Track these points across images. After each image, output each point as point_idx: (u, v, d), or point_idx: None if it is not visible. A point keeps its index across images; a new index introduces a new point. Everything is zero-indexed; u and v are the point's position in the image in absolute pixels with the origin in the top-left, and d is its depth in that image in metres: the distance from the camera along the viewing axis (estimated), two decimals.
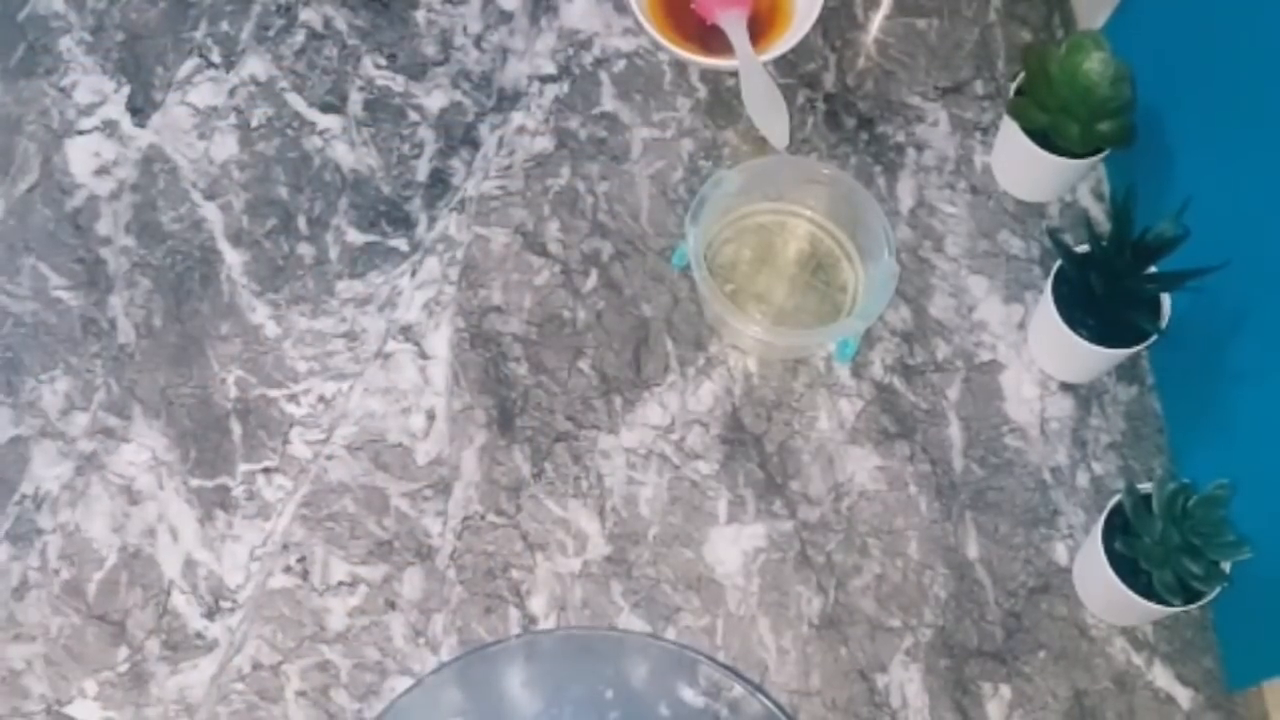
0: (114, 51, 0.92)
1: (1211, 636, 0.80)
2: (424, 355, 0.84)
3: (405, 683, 0.75)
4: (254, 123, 0.90)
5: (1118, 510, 0.77)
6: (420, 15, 0.95)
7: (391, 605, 0.78)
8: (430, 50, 0.94)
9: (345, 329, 0.85)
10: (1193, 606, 0.75)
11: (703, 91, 0.93)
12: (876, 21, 0.97)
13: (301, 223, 0.87)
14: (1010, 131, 0.87)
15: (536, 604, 0.78)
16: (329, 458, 0.81)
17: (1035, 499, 0.83)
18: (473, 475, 0.81)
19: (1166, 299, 0.81)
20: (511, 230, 0.88)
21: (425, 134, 0.91)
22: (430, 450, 0.81)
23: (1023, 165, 0.89)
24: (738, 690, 0.74)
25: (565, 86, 0.93)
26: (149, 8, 0.94)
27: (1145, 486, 0.76)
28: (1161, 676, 0.79)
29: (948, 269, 0.89)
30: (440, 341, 0.84)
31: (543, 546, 0.80)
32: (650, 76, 0.94)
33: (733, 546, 0.81)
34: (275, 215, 0.88)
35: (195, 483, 0.80)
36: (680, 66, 0.94)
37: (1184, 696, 0.78)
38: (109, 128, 0.90)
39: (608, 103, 0.93)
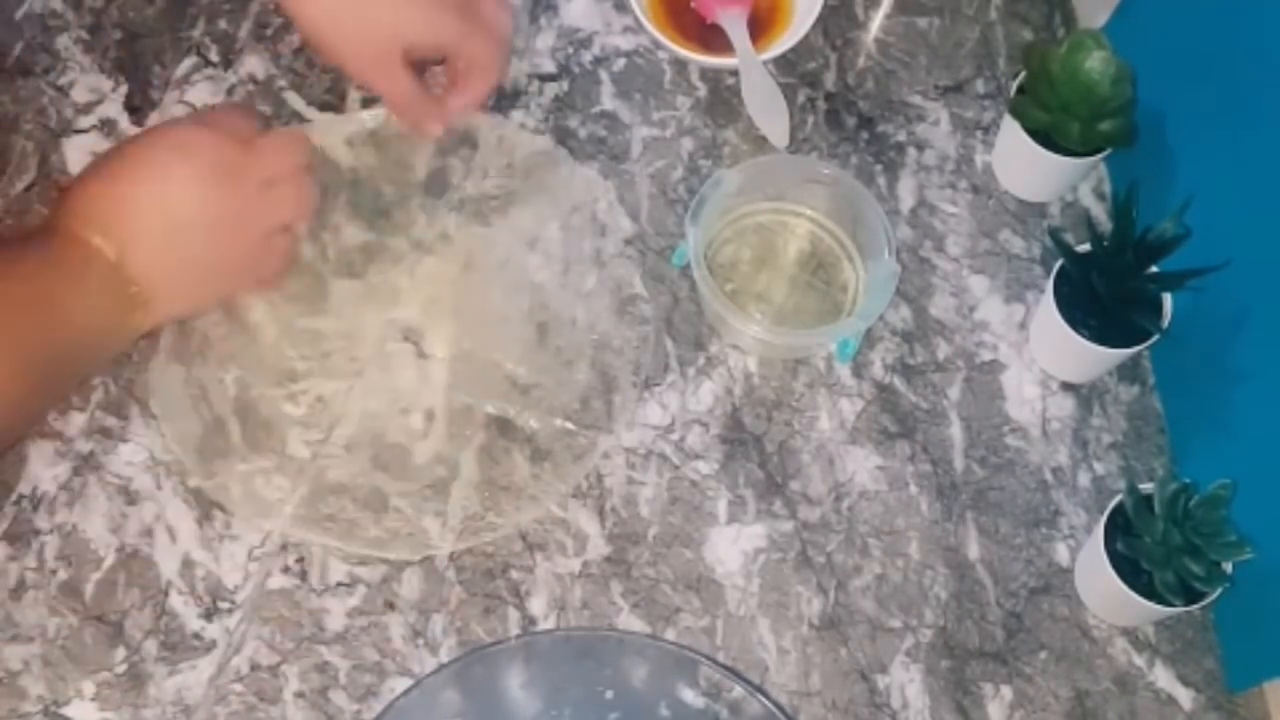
0: (112, 50, 0.92)
1: (1213, 637, 0.80)
2: (423, 354, 0.84)
3: (404, 683, 0.75)
4: None
5: (1119, 510, 0.77)
6: None
7: (390, 606, 0.78)
8: None
9: (344, 328, 0.84)
10: (1194, 607, 0.75)
11: (703, 90, 0.93)
12: (877, 20, 0.96)
13: None
14: (1011, 131, 0.87)
15: (536, 605, 0.78)
16: (328, 457, 0.80)
17: (1036, 499, 0.83)
18: (472, 475, 0.81)
19: (1168, 299, 0.81)
20: (511, 229, 0.87)
21: None
22: (429, 450, 0.81)
23: (1024, 164, 0.88)
24: (738, 691, 0.74)
25: (565, 85, 0.93)
26: (147, 6, 0.93)
27: (1147, 487, 0.76)
28: (1163, 677, 0.79)
29: (949, 269, 0.88)
30: (439, 340, 0.84)
31: (542, 547, 0.80)
32: (650, 75, 0.93)
33: (733, 546, 0.80)
34: None
35: (193, 482, 0.80)
36: (680, 65, 0.94)
37: (1185, 697, 0.78)
38: (107, 126, 0.89)
39: (607, 101, 0.92)
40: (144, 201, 0.70)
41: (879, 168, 0.91)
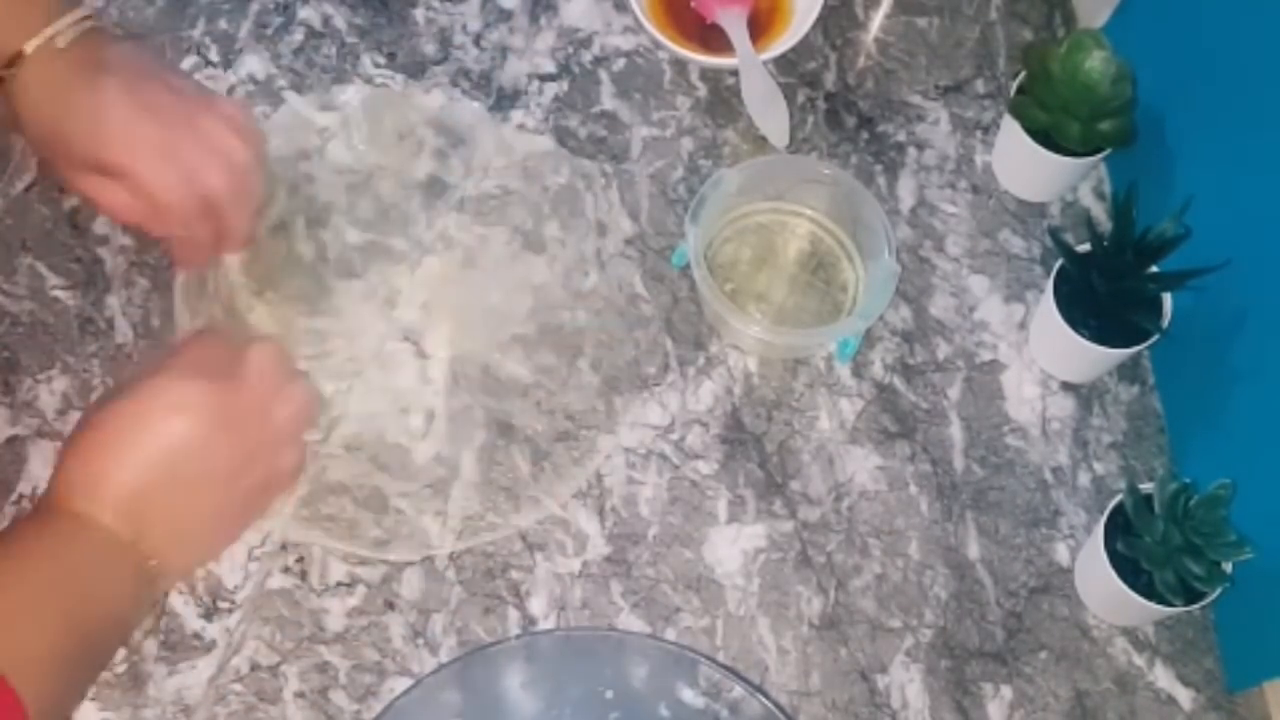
0: None
1: (1212, 637, 0.80)
2: (423, 355, 0.84)
3: (404, 683, 0.75)
4: None
5: (1119, 510, 0.77)
6: (419, 14, 0.95)
7: (390, 606, 0.78)
8: (429, 49, 0.93)
9: (344, 328, 0.84)
10: (1194, 607, 0.75)
11: (702, 90, 0.93)
12: (877, 20, 0.96)
13: (300, 221, 0.87)
14: (1011, 130, 0.87)
15: (536, 604, 0.78)
16: (328, 457, 0.80)
17: (1036, 499, 0.83)
18: (472, 475, 0.81)
19: (1168, 298, 0.81)
20: (511, 229, 0.87)
21: (424, 132, 0.90)
22: (429, 450, 0.81)
23: (1024, 164, 0.88)
24: (738, 691, 0.74)
25: (565, 85, 0.93)
26: (146, 6, 0.93)
27: (1146, 486, 0.76)
28: (1163, 677, 0.79)
29: (948, 268, 0.88)
30: (439, 340, 0.84)
31: (542, 547, 0.80)
32: (650, 75, 0.93)
33: (733, 546, 0.80)
34: (273, 214, 0.87)
35: None
36: (680, 65, 0.94)
37: (1185, 697, 0.78)
38: None
39: (607, 101, 0.92)
40: (149, 474, 0.67)
41: (879, 168, 0.91)
